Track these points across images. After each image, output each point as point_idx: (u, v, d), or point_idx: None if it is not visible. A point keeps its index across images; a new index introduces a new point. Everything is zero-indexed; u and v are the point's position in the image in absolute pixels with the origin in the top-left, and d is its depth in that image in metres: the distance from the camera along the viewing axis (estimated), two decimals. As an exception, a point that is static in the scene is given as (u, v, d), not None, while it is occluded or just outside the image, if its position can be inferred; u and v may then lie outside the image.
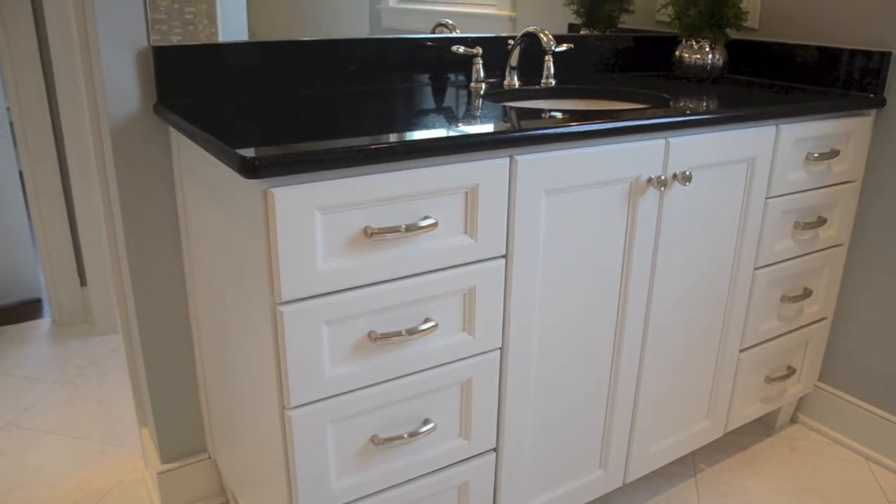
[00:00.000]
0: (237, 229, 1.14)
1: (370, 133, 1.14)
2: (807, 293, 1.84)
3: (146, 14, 1.36)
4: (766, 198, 1.63)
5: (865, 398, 1.96)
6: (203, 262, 1.40)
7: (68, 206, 2.48)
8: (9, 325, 2.60)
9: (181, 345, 1.57)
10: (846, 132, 1.74)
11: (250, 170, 0.97)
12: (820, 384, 2.05)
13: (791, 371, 1.91)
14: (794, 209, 1.70)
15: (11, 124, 2.46)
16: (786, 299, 1.80)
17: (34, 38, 2.30)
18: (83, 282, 2.58)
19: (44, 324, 2.62)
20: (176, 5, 1.39)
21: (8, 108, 2.45)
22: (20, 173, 2.57)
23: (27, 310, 2.72)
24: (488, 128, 1.20)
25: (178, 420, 1.62)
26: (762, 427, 2.09)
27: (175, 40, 1.39)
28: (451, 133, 1.14)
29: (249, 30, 1.49)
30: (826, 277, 1.89)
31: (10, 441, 1.94)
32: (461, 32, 1.72)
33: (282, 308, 1.06)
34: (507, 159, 1.19)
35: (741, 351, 1.76)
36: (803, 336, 1.91)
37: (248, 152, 0.99)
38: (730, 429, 1.84)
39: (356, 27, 1.61)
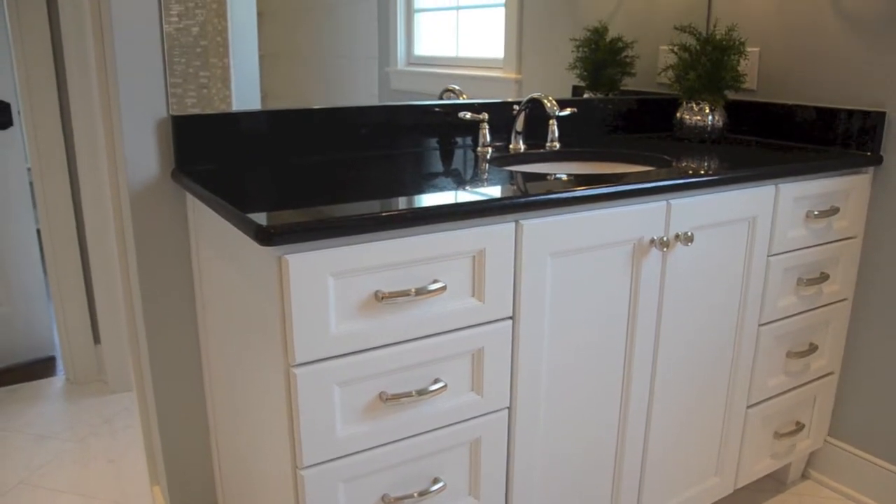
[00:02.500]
0: (252, 293, 1.18)
1: (380, 197, 1.18)
2: (813, 348, 1.85)
3: (166, 85, 1.43)
4: (769, 255, 1.66)
5: (877, 453, 1.95)
6: (217, 323, 1.43)
7: (84, 265, 2.54)
8: (22, 382, 2.63)
9: (194, 403, 1.60)
10: (845, 189, 1.77)
11: (266, 237, 1.01)
12: (830, 439, 2.05)
13: (800, 426, 1.92)
14: (797, 266, 1.73)
15: (31, 184, 2.53)
16: (792, 355, 1.81)
17: (56, 101, 2.38)
18: (97, 340, 2.61)
19: (57, 382, 2.65)
20: (191, 70, 1.46)
21: (29, 169, 2.52)
22: (38, 231, 2.63)
23: (41, 368, 2.75)
24: (494, 193, 1.24)
25: (191, 478, 1.64)
26: (773, 483, 2.08)
27: (189, 103, 1.45)
28: (459, 199, 1.19)
29: (262, 91, 1.55)
30: (832, 332, 1.91)
31: (22, 500, 1.95)
32: (469, 95, 1.78)
33: (295, 370, 1.09)
34: (513, 224, 1.23)
35: (749, 406, 1.77)
36: (811, 391, 1.92)
37: (264, 220, 1.03)
38: (740, 485, 1.83)
39: (366, 88, 1.67)
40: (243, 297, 1.23)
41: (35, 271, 2.73)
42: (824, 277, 1.80)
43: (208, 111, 1.47)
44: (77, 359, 2.60)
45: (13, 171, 2.61)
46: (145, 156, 1.43)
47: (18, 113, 2.54)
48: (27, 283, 2.72)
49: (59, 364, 2.78)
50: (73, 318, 2.56)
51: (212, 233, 1.36)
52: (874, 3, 1.78)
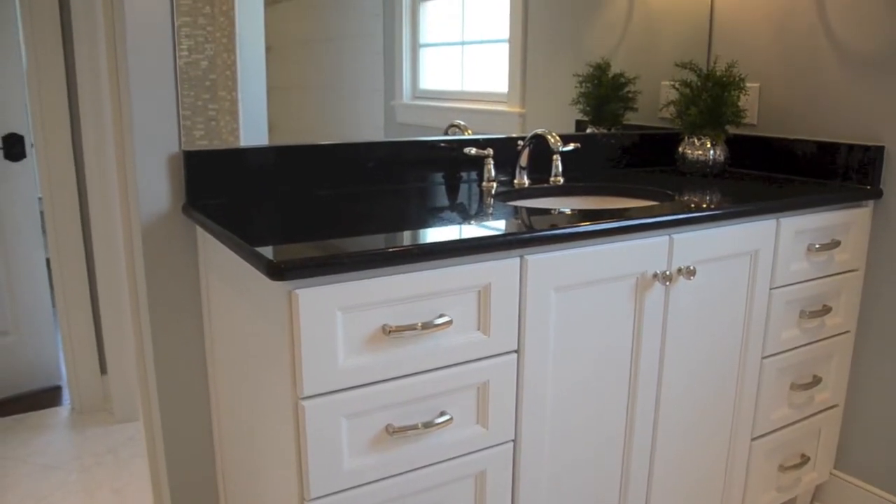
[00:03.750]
0: (261, 325, 1.20)
1: (387, 232, 1.21)
2: (816, 381, 1.86)
3: (178, 120, 1.46)
4: (771, 288, 1.68)
5: (884, 486, 1.95)
6: (225, 355, 1.45)
7: (92, 295, 2.56)
8: (29, 412, 2.64)
9: (201, 434, 1.61)
10: (846, 223, 1.79)
11: (277, 272, 1.03)
12: (836, 472, 2.04)
13: (805, 459, 1.92)
14: (799, 298, 1.75)
15: (42, 213, 2.56)
16: (795, 387, 1.82)
17: (69, 134, 2.42)
18: (103, 370, 2.63)
19: (63, 411, 2.66)
20: (199, 102, 1.49)
21: (40, 198, 2.56)
22: (47, 260, 2.66)
23: (47, 397, 2.77)
24: (499, 229, 1.27)
25: (197, 510, 1.64)
26: (779, 516, 2.07)
27: (198, 135, 1.48)
28: (465, 235, 1.21)
29: (269, 122, 1.58)
30: (835, 364, 1.92)
31: (28, 531, 1.95)
32: (473, 129, 1.82)
33: (304, 402, 1.10)
34: (518, 259, 1.25)
35: (753, 439, 1.77)
36: (816, 423, 1.92)
37: (275, 255, 1.06)
38: (745, 519, 1.83)
39: (371, 120, 1.70)
40: (252, 329, 1.25)
41: (43, 300, 2.75)
42: (827, 310, 1.81)
43: (216, 143, 1.50)
44: (83, 388, 2.62)
45: (24, 201, 2.64)
46: (157, 190, 1.46)
47: (31, 145, 2.59)
48: (35, 312, 2.74)
49: (66, 393, 2.79)
50: (80, 347, 2.58)
51: (222, 266, 1.39)
52: (872, 40, 1.81)
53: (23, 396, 2.76)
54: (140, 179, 1.45)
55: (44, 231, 2.59)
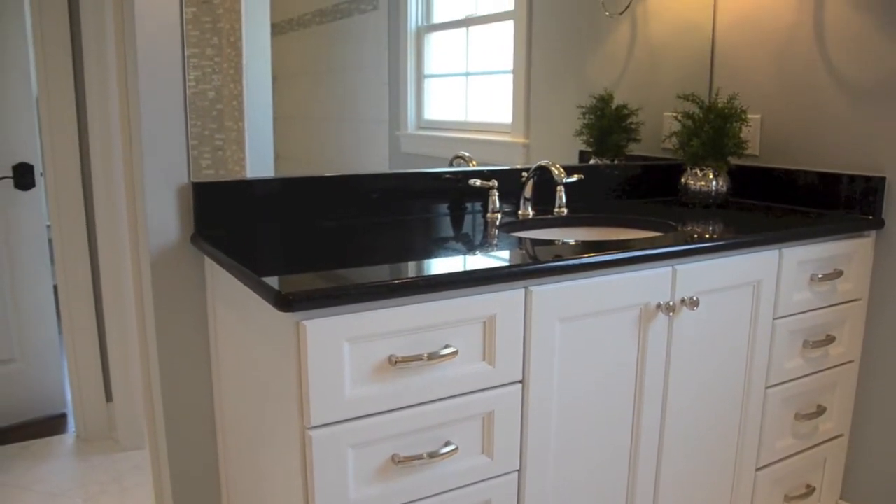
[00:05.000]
0: (268, 355, 1.21)
1: (393, 262, 1.23)
2: (821, 410, 1.86)
3: (188, 152, 1.49)
4: (774, 318, 1.68)
5: (889, 517, 1.94)
6: (232, 383, 1.46)
7: (98, 323, 2.57)
8: (34, 439, 2.65)
9: (207, 461, 1.61)
10: (848, 253, 1.81)
11: (285, 304, 1.05)
12: (842, 503, 2.03)
13: (810, 489, 1.91)
14: (802, 328, 1.76)
15: (50, 241, 2.58)
16: (800, 417, 1.82)
17: (78, 163, 2.45)
18: (109, 398, 2.63)
19: (67, 439, 2.66)
20: (206, 132, 1.51)
21: (48, 226, 2.58)
22: (54, 287, 2.67)
23: (52, 425, 2.77)
24: (504, 260, 1.28)
25: (201, 540, 1.64)
26: (785, 547, 2.06)
27: (204, 164, 1.50)
28: (470, 266, 1.23)
29: (275, 151, 1.60)
30: (839, 394, 1.92)
31: (31, 560, 1.94)
32: (478, 160, 1.84)
33: (311, 432, 1.11)
34: (523, 290, 1.27)
35: (758, 469, 1.77)
36: (821, 453, 1.92)
37: (283, 286, 1.07)
38: (751, 550, 1.82)
39: (376, 150, 1.72)
40: (259, 358, 1.26)
41: (50, 328, 2.77)
42: (830, 340, 1.82)
43: (223, 172, 1.52)
44: (88, 416, 2.62)
45: (33, 229, 2.67)
46: (166, 220, 1.48)
47: (41, 174, 2.62)
48: (41, 340, 2.76)
49: (71, 421, 2.79)
50: (86, 375, 2.59)
51: (229, 295, 1.40)
52: (871, 71, 1.84)
53: (28, 424, 2.76)
54: (150, 210, 1.47)
55: (52, 259, 2.61)
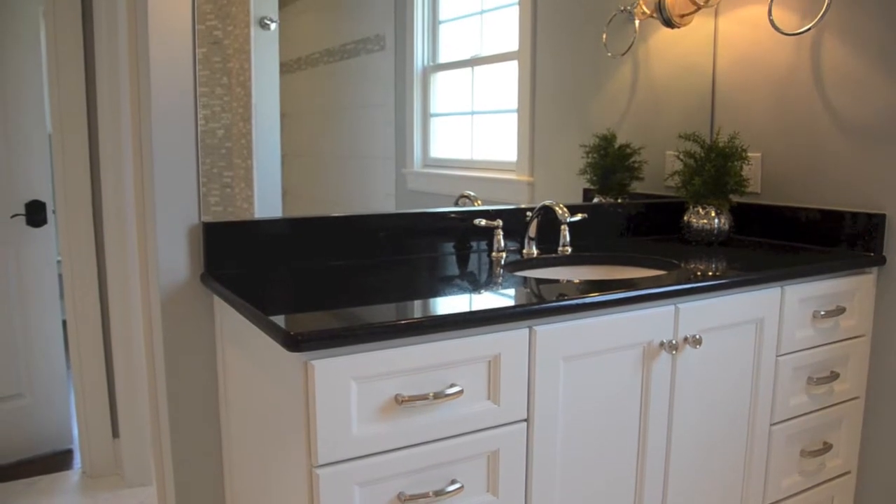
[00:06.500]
0: (276, 394, 1.23)
1: (400, 301, 1.25)
2: (827, 447, 1.86)
3: (198, 193, 1.52)
4: (777, 355, 1.69)
5: (898, 556, 1.92)
6: (239, 422, 1.47)
7: (107, 359, 2.59)
8: (40, 475, 2.65)
9: (215, 499, 1.62)
10: (850, 290, 1.82)
11: (293, 344, 1.07)
12: (850, 541, 2.02)
13: (818, 528, 1.90)
14: (806, 365, 1.76)
15: (60, 276, 2.61)
16: (806, 454, 1.82)
17: (90, 202, 2.49)
18: (115, 434, 2.64)
19: (73, 475, 2.66)
20: (215, 170, 1.54)
21: (59, 261, 2.61)
22: (63, 322, 2.70)
23: (58, 460, 2.77)
24: (509, 300, 1.30)
25: (207, 578, 1.64)
26: (794, 587, 2.04)
27: (213, 202, 1.53)
28: (475, 306, 1.25)
29: (283, 189, 1.62)
30: (845, 431, 1.91)
31: None
32: (483, 198, 1.87)
33: (318, 471, 1.12)
34: (527, 329, 1.29)
35: (764, 508, 1.77)
36: (828, 491, 1.91)
37: (291, 326, 1.09)
38: (759, 589, 1.81)
39: (383, 187, 1.75)
40: (267, 397, 1.28)
41: (58, 363, 2.79)
42: (834, 376, 1.82)
43: (231, 210, 1.55)
44: (95, 452, 2.62)
45: (44, 265, 2.70)
46: (176, 259, 1.51)
47: (52, 211, 2.66)
48: (49, 375, 2.77)
49: (77, 457, 2.79)
50: (93, 410, 2.60)
51: (238, 334, 1.42)
52: (870, 109, 1.87)
53: (34, 459, 2.77)
54: (161, 249, 1.50)
55: (61, 294, 2.64)
